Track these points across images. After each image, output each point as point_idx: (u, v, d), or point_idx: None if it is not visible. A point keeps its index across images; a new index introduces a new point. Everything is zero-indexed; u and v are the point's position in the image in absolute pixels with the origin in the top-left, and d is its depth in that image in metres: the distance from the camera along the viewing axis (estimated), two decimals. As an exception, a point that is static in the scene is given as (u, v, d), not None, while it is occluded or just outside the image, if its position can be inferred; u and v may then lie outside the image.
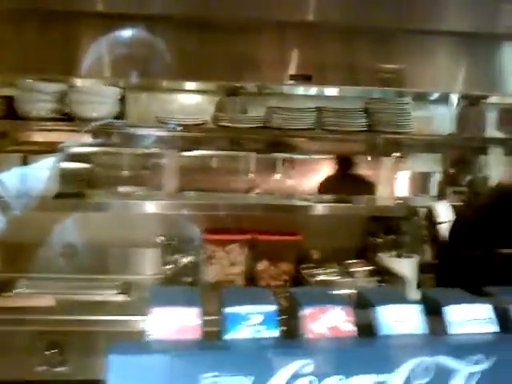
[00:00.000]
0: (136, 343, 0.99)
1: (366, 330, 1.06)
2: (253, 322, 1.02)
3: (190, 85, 4.08)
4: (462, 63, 3.71)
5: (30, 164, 3.47)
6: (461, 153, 4.10)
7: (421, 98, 4.12)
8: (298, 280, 3.58)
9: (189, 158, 3.97)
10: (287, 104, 3.76)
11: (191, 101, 4.15)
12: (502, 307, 1.10)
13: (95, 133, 3.57)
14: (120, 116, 3.57)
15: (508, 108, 3.91)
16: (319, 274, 3.56)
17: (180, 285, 3.32)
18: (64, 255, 3.43)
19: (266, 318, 1.02)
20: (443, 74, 3.71)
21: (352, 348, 1.01)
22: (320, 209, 3.53)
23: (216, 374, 0.93)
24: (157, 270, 3.62)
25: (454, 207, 3.37)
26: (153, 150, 3.73)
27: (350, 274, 3.57)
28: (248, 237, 3.60)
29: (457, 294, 1.16)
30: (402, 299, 1.11)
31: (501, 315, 1.10)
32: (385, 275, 3.48)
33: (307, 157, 4.26)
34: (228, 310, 1.02)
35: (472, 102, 3.96)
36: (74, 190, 3.47)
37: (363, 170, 4.33)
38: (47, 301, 3.07)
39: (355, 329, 1.04)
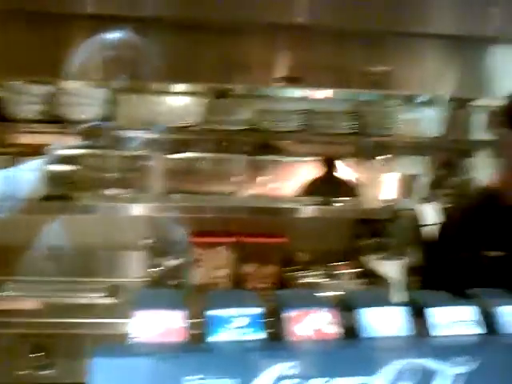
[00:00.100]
0: (120, 346, 0.98)
1: (351, 332, 1.06)
2: (238, 324, 1.01)
3: (179, 87, 4.08)
4: (450, 66, 3.73)
5: (18, 166, 3.46)
6: (448, 155, 4.12)
7: (409, 100, 4.14)
8: (284, 282, 3.58)
9: (177, 160, 3.97)
10: (276, 106, 3.77)
11: (180, 103, 4.15)
12: (486, 309, 1.11)
13: (83, 135, 3.56)
14: (109, 118, 3.57)
15: (496, 110, 3.93)
16: (305, 277, 3.57)
17: (166, 287, 3.31)
18: (51, 258, 3.42)
19: (251, 320, 1.02)
20: (431, 77, 3.73)
21: (336, 350, 1.01)
22: (307, 211, 3.53)
23: (201, 376, 0.93)
24: (143, 272, 3.61)
25: (441, 210, 3.38)
26: (141, 153, 3.73)
27: (337, 277, 3.58)
28: (234, 239, 3.60)
29: (441, 296, 1.16)
30: (386, 301, 1.11)
31: (485, 317, 1.10)
32: (371, 277, 3.49)
33: (295, 159, 4.27)
34: (212, 312, 1.02)
35: (459, 105, 3.98)
36: (61, 193, 3.45)
37: (351, 172, 4.34)
38: (33, 303, 3.06)
39: (340, 331, 1.04)
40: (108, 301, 3.26)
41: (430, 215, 3.35)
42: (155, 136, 3.54)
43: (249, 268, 3.61)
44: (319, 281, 3.53)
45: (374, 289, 3.32)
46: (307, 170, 4.44)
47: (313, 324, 1.03)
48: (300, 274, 3.61)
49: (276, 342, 1.02)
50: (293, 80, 3.54)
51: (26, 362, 2.84)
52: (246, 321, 1.02)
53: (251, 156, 4.04)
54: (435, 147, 4.08)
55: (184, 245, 3.46)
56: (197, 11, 3.23)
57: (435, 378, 1.00)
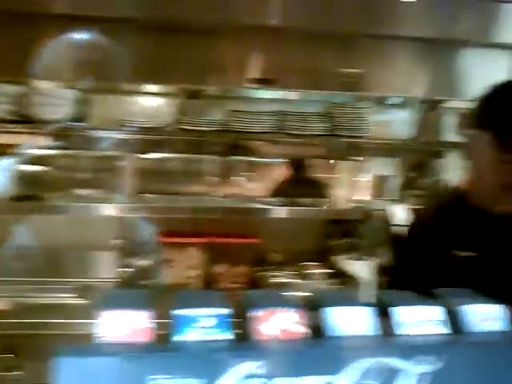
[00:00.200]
0: (84, 346, 0.98)
1: (318, 332, 1.06)
2: (204, 324, 1.01)
3: (152, 87, 4.06)
4: (421, 68, 3.76)
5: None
6: (419, 157, 4.15)
7: (381, 102, 4.15)
8: (255, 282, 3.59)
9: (148, 160, 3.95)
10: (249, 107, 3.77)
11: (152, 103, 4.13)
12: (451, 309, 1.11)
13: (55, 135, 3.54)
14: (81, 118, 3.55)
15: (466, 112, 3.97)
16: (277, 277, 3.58)
17: (137, 288, 3.30)
18: (21, 258, 3.39)
19: (218, 320, 1.02)
20: (403, 79, 3.76)
21: (302, 349, 1.01)
22: (279, 212, 3.54)
23: (166, 376, 0.92)
24: (114, 272, 3.60)
25: (412, 210, 3.40)
26: (112, 153, 3.71)
27: (308, 277, 3.59)
28: (205, 240, 3.60)
29: (407, 296, 1.17)
30: (353, 301, 1.11)
31: (451, 317, 1.11)
32: (342, 277, 3.50)
33: (267, 160, 4.27)
34: (179, 312, 1.02)
35: (430, 107, 4.01)
36: (31, 193, 3.43)
37: (322, 173, 4.35)
38: (2, 303, 3.03)
39: (307, 331, 1.05)
40: (78, 301, 3.24)
41: (401, 216, 3.38)
42: (127, 136, 3.52)
43: (220, 268, 3.61)
44: (290, 281, 3.54)
45: (343, 289, 3.34)
46: (279, 171, 4.44)
47: (279, 324, 1.03)
48: (271, 274, 3.62)
49: (242, 341, 1.03)
50: (266, 81, 3.55)
51: (-5, 363, 2.82)
52: (213, 321, 1.02)
53: (223, 157, 4.04)
54: (406, 149, 4.10)
55: (155, 245, 3.45)
56: (170, 12, 3.23)
57: (400, 376, 1.00)
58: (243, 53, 3.53)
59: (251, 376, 0.95)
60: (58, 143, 3.60)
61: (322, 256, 3.80)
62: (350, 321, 1.06)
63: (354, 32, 3.51)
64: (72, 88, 3.53)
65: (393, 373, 1.00)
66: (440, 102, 3.99)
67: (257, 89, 3.76)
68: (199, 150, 3.95)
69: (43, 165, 3.76)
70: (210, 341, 1.00)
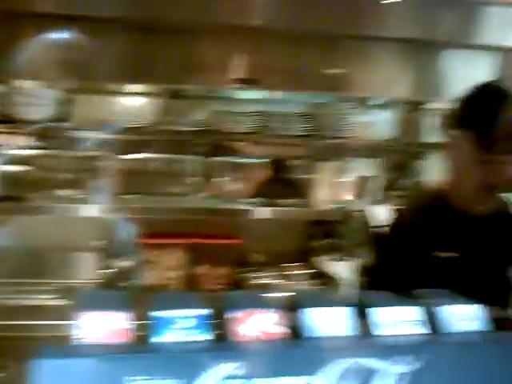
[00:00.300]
0: (62, 347, 0.98)
1: (297, 332, 1.06)
2: (183, 325, 1.01)
3: (134, 87, 4.05)
4: (404, 69, 3.78)
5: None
6: (400, 157, 4.16)
7: (363, 103, 4.17)
8: (237, 283, 3.58)
9: (130, 161, 3.93)
10: (232, 108, 3.77)
11: (135, 103, 4.11)
12: (430, 309, 1.12)
13: (36, 135, 3.52)
14: (63, 118, 3.53)
15: (447, 113, 3.98)
16: (258, 278, 3.58)
17: (118, 289, 3.29)
18: (1, 259, 3.37)
19: (197, 321, 1.02)
20: (385, 80, 3.76)
21: (281, 350, 1.01)
22: (261, 213, 3.54)
23: (145, 377, 0.92)
24: (95, 274, 3.58)
25: (393, 211, 3.41)
26: (94, 153, 3.69)
27: (290, 277, 3.60)
28: (186, 241, 3.60)
29: (386, 297, 1.18)
30: (332, 302, 1.12)
31: (429, 317, 1.11)
32: (323, 278, 3.51)
33: (250, 160, 4.27)
34: (157, 313, 1.02)
35: (412, 108, 4.03)
36: (12, 193, 3.41)
37: (305, 174, 4.35)
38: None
39: (286, 331, 1.05)
40: (60, 302, 3.22)
41: (382, 216, 3.38)
42: (109, 136, 3.51)
43: (202, 269, 3.61)
44: (272, 282, 3.55)
45: (323, 289, 3.34)
46: (262, 172, 4.44)
47: (258, 324, 1.04)
48: (253, 275, 3.62)
49: (221, 342, 1.03)
50: (248, 82, 3.55)
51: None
52: (192, 322, 1.02)
53: (205, 157, 4.03)
54: (388, 149, 4.12)
55: (136, 246, 3.44)
56: (154, 12, 3.22)
57: (378, 377, 1.01)
58: (226, 53, 3.53)
59: (230, 377, 0.95)
60: (39, 143, 3.58)
61: (304, 257, 3.80)
62: (329, 321, 1.06)
63: (337, 33, 3.51)
64: (54, 88, 3.52)
65: (371, 373, 1.00)
66: (422, 103, 4.01)
67: (240, 89, 3.76)
68: (182, 150, 3.94)
69: (25, 165, 3.74)
70: (189, 342, 1.00)
